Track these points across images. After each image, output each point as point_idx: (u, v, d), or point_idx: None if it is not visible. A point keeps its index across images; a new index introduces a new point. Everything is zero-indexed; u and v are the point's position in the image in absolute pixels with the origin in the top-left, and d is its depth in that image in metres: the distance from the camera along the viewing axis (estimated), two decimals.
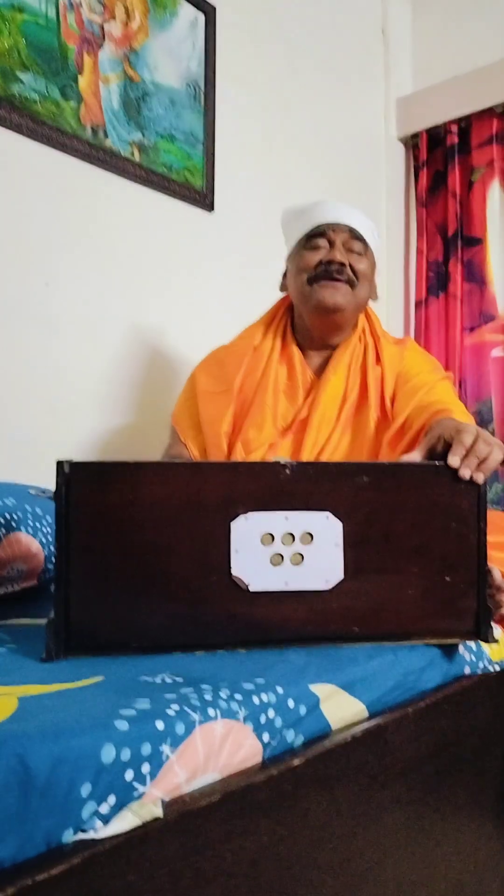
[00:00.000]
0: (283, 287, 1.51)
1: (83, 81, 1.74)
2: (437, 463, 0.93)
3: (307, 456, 1.36)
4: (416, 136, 2.75)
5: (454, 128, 2.62)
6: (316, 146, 2.43)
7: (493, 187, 2.55)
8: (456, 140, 2.61)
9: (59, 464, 0.82)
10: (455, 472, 0.91)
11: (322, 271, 1.38)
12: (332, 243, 1.40)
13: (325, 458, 1.36)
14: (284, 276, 1.51)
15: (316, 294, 1.38)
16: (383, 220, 2.73)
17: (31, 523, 1.23)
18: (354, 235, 1.41)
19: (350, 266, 1.39)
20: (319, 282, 1.38)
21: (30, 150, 1.64)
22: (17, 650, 0.85)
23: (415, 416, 1.30)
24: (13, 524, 1.20)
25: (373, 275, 1.47)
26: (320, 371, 1.45)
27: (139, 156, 1.86)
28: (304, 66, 2.39)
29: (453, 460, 0.91)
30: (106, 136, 1.79)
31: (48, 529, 1.24)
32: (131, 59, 1.85)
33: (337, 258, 1.38)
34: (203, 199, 2.02)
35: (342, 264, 1.38)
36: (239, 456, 1.39)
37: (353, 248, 1.41)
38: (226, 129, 2.08)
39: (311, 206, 1.46)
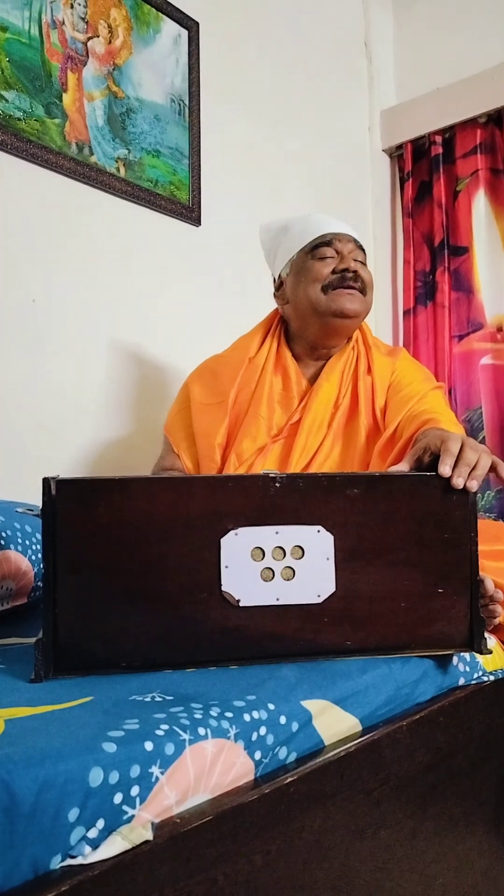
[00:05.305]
0: (283, 298, 1.50)
1: (67, 99, 1.75)
2: (429, 473, 0.92)
3: (297, 461, 1.36)
4: (400, 147, 2.77)
5: (438, 138, 2.64)
6: (301, 159, 2.44)
7: (478, 196, 2.57)
8: (440, 150, 2.63)
9: (46, 481, 0.81)
10: (447, 481, 0.90)
11: (338, 279, 1.40)
12: (339, 253, 1.42)
13: (316, 465, 1.36)
14: (279, 287, 1.50)
15: (334, 302, 1.39)
16: (370, 231, 2.74)
17: (21, 541, 1.22)
18: (357, 246, 1.45)
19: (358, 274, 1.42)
20: (336, 290, 1.40)
21: (15, 168, 1.64)
22: (6, 671, 0.84)
23: (405, 425, 1.31)
24: (2, 542, 1.19)
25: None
26: (314, 380, 1.46)
27: (124, 171, 1.86)
28: (287, 80, 2.40)
29: (444, 470, 0.90)
30: (91, 152, 1.79)
31: (38, 547, 1.23)
32: (115, 76, 1.86)
33: (352, 266, 1.41)
34: (189, 213, 2.02)
35: (356, 272, 1.41)
36: (232, 467, 1.39)
37: (358, 258, 1.44)
38: (211, 143, 2.09)
39: (305, 219, 1.48)
